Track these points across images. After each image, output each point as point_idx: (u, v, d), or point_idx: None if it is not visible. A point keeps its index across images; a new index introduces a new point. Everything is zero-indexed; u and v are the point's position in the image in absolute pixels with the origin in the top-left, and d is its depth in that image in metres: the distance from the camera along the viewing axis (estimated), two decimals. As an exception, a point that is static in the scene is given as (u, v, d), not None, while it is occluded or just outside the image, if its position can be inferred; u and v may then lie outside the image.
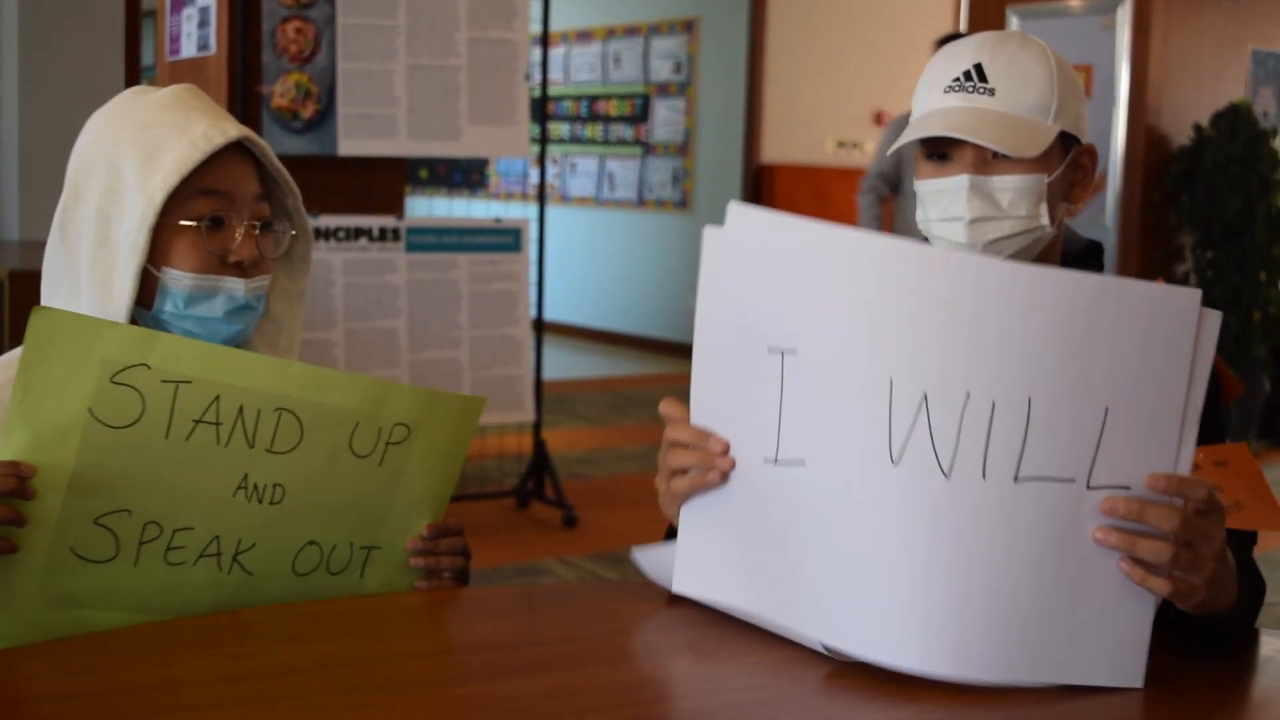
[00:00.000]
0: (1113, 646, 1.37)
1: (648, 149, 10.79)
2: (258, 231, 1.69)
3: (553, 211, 11.15)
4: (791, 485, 1.43)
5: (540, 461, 5.70)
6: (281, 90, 4.98)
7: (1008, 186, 1.71)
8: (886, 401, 1.35)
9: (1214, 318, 1.34)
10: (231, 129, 1.66)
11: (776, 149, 10.15)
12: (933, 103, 1.74)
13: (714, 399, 1.49)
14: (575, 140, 11.40)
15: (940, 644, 1.36)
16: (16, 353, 1.71)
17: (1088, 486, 1.34)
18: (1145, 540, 1.34)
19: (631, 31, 10.91)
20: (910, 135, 1.72)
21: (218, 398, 1.47)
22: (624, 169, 10.99)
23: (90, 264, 1.64)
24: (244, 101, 4.94)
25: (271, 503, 1.54)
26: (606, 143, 11.12)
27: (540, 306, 5.72)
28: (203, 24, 5.15)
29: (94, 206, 1.65)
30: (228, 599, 1.56)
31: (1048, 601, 1.36)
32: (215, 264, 1.66)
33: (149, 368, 1.44)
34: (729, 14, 10.20)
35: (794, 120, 10.20)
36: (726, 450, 1.48)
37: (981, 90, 1.71)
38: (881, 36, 10.36)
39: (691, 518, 1.53)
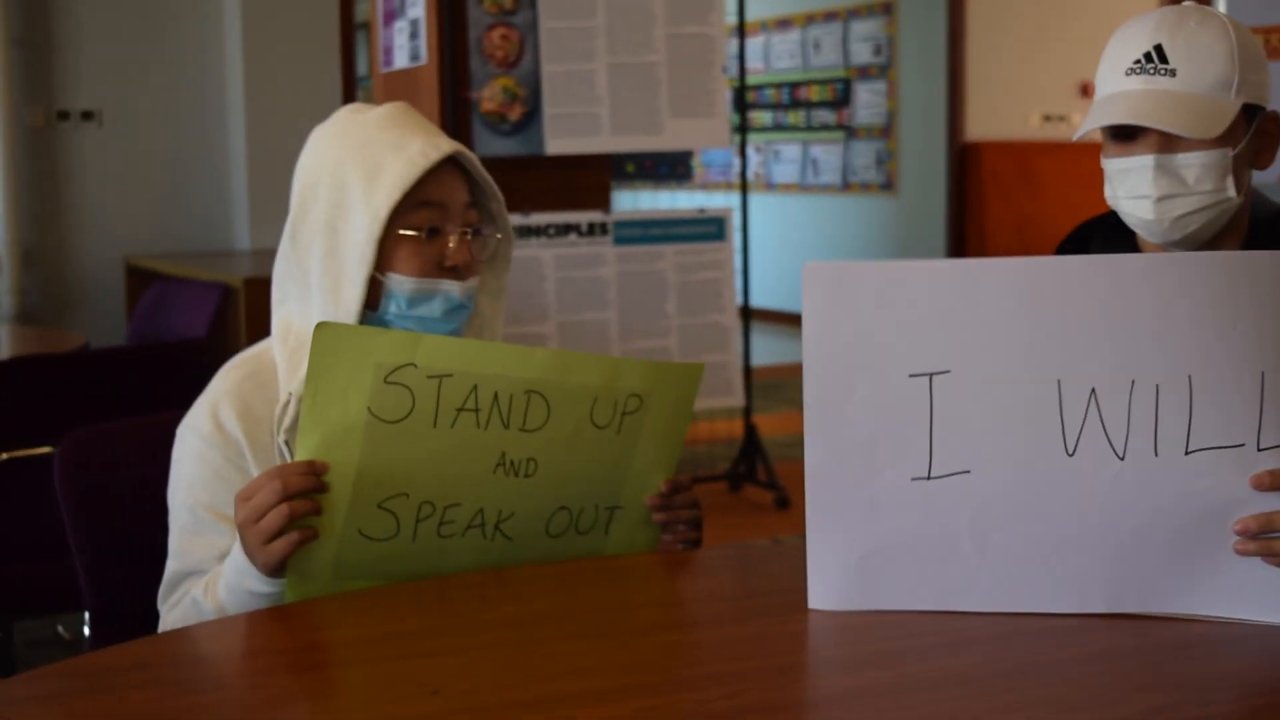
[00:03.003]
0: None
1: (850, 133, 10.80)
2: (469, 237, 1.83)
3: (758, 199, 11.22)
4: (953, 495, 1.50)
5: (751, 445, 5.81)
6: (489, 95, 5.18)
7: (1193, 163, 1.75)
8: (1056, 401, 1.46)
9: None
10: (444, 144, 1.81)
11: (981, 126, 10.07)
12: (1115, 85, 1.79)
13: (837, 429, 1.53)
14: (778, 128, 11.46)
15: (1127, 586, 1.46)
16: (251, 350, 1.88)
17: (1258, 449, 1.43)
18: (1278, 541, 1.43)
19: (830, 16, 10.93)
20: (1094, 122, 1.78)
21: (475, 387, 1.63)
22: (827, 154, 11.02)
23: (321, 272, 1.80)
24: (454, 108, 5.15)
25: (526, 475, 1.69)
26: (809, 129, 11.16)
27: (745, 293, 5.82)
28: (413, 36, 5.38)
29: (322, 219, 1.80)
30: (491, 561, 1.73)
31: (1230, 552, 1.45)
32: (433, 269, 1.80)
33: (416, 366, 1.60)
34: (928, -7, 10.16)
35: (997, 96, 10.10)
36: None
37: (1162, 72, 1.75)
38: (1083, 5, 10.19)
39: (821, 538, 1.56)
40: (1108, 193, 1.83)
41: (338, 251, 1.79)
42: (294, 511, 1.58)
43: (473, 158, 1.85)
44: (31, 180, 7.04)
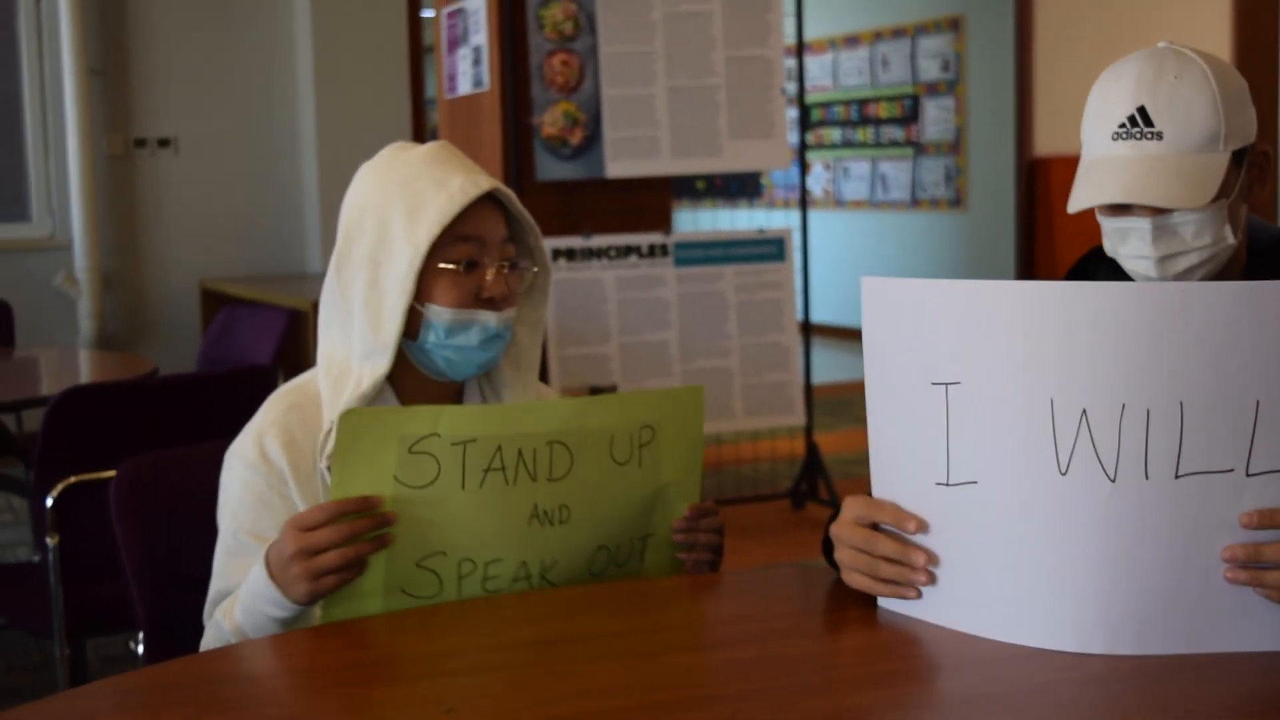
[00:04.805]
0: None
1: (919, 149, 10.80)
2: (507, 270, 1.91)
3: (828, 216, 11.26)
4: (965, 504, 1.56)
5: (813, 463, 5.85)
6: (550, 120, 5.27)
7: (1189, 220, 1.75)
8: (1050, 420, 1.49)
9: None
10: (484, 181, 1.89)
11: (1050, 141, 10.02)
12: (1102, 148, 1.78)
13: (889, 433, 1.63)
14: (847, 145, 11.49)
15: (1123, 626, 1.49)
16: (297, 381, 1.96)
17: (1247, 474, 1.46)
18: (1270, 574, 1.45)
19: (898, 33, 10.94)
20: (1087, 200, 1.78)
21: (499, 447, 1.70)
22: (896, 170, 11.03)
23: (363, 303, 1.88)
24: (516, 133, 5.24)
25: (561, 522, 1.76)
26: (878, 145, 11.17)
27: (806, 311, 5.86)
28: (476, 62, 5.47)
29: (365, 253, 1.89)
30: None
31: (1220, 578, 1.47)
32: (471, 300, 1.88)
33: (439, 436, 1.67)
34: (996, 9, 10.13)
35: (1067, 111, 10.05)
36: (928, 563, 1.60)
37: (1149, 135, 1.73)
38: (1153, 21, 10.14)
39: None
40: (1107, 247, 1.83)
41: (379, 283, 1.87)
42: (357, 553, 1.66)
43: (511, 194, 1.93)
44: (110, 206, 7.22)
